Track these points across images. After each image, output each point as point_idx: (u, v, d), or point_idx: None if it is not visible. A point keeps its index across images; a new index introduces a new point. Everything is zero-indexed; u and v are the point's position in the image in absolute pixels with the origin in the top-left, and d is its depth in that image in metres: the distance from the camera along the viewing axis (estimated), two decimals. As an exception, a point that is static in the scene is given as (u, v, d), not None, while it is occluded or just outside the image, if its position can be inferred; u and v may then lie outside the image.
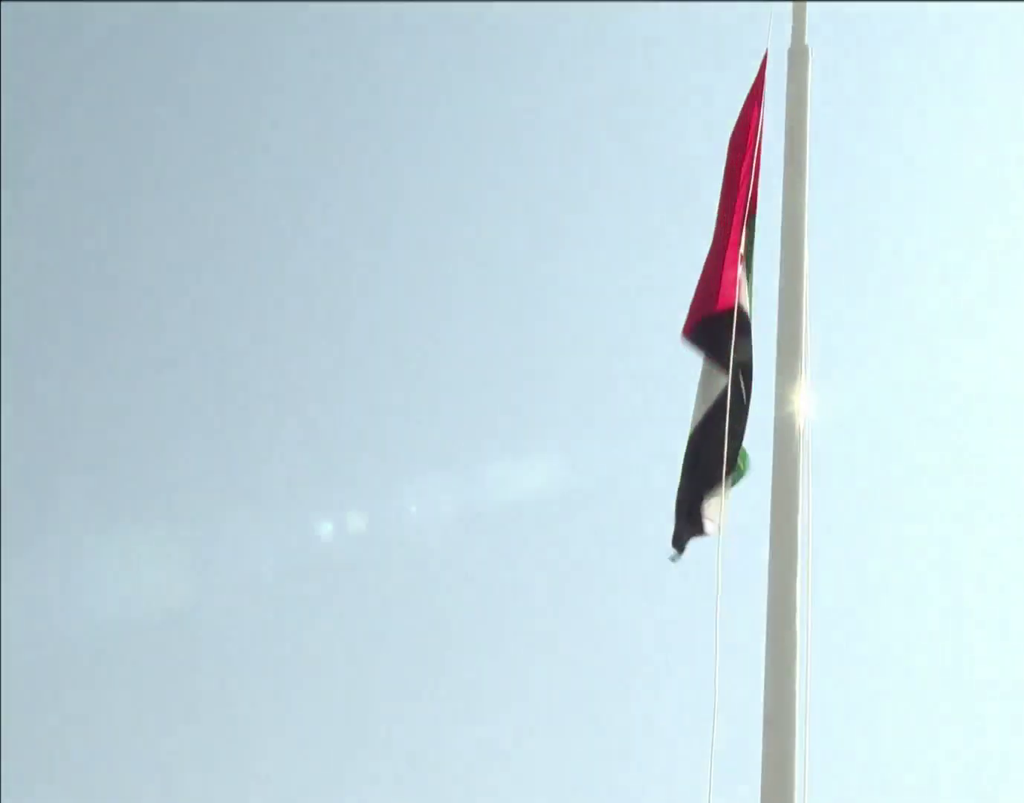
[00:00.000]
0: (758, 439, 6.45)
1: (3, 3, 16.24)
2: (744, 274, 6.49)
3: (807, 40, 6.39)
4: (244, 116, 18.21)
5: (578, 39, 18.04)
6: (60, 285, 17.73)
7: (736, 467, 6.47)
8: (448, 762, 15.01)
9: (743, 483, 6.53)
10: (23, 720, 14.98)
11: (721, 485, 6.28)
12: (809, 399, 6.08)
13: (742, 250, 6.45)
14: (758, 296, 6.54)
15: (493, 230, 17.93)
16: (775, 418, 6.03)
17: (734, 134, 6.54)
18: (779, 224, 6.27)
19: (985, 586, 15.73)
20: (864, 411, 15.36)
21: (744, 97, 6.57)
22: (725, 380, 6.34)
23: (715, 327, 6.37)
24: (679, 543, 6.41)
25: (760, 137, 6.44)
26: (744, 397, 6.40)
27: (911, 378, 16.35)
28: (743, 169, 6.42)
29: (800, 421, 6.01)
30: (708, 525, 6.32)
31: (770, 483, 5.93)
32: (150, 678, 15.74)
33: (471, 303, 17.96)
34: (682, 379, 6.68)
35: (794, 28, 6.38)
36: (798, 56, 6.37)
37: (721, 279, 6.36)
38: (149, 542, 15.87)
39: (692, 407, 6.49)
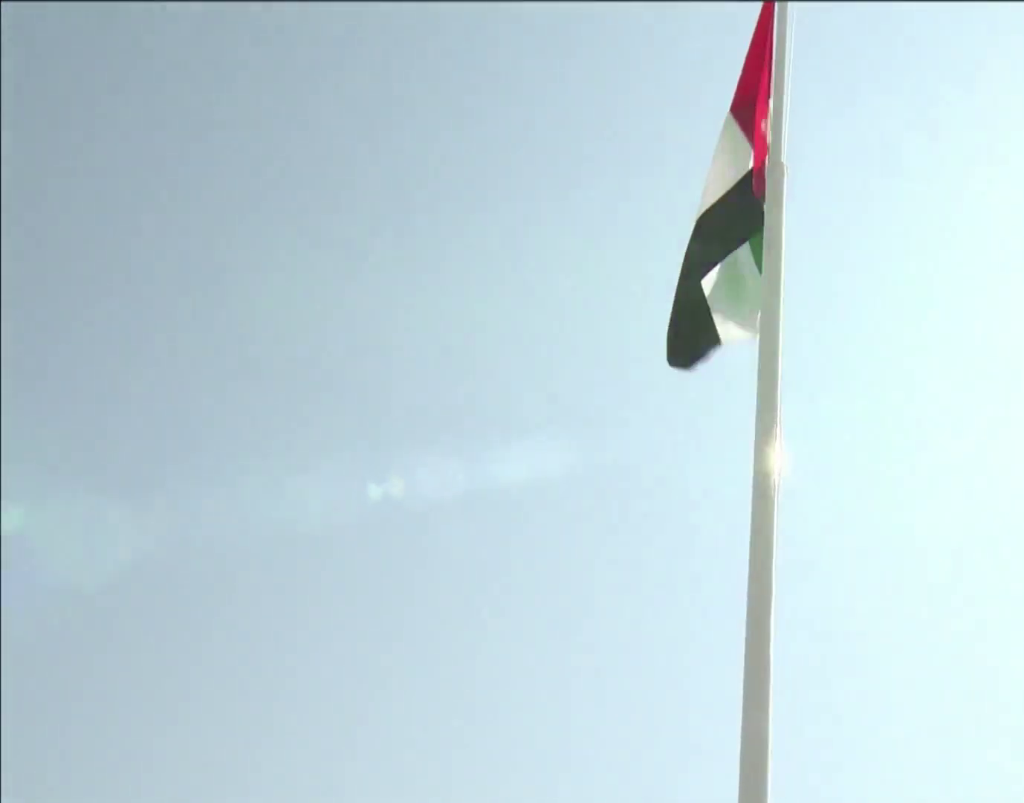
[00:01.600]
0: (737, 496, 7.02)
1: (3, 3, 16.35)
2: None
3: (783, 158, 6.47)
4: (243, 116, 18.25)
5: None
6: (57, 243, 17.80)
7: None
8: (445, 736, 15.49)
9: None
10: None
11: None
12: (784, 455, 6.42)
13: None
14: (734, 357, 7.17)
15: (510, 209, 18.08)
16: (753, 473, 6.39)
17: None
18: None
19: (957, 626, 16.01)
20: (837, 465, 15.73)
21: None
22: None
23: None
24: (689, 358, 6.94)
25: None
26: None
27: (886, 437, 16.65)
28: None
29: (776, 476, 6.35)
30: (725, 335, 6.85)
31: (748, 534, 6.29)
32: (144, 625, 16.15)
33: (487, 284, 18.03)
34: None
35: (771, 144, 6.47)
36: (774, 172, 6.44)
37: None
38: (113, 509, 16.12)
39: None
